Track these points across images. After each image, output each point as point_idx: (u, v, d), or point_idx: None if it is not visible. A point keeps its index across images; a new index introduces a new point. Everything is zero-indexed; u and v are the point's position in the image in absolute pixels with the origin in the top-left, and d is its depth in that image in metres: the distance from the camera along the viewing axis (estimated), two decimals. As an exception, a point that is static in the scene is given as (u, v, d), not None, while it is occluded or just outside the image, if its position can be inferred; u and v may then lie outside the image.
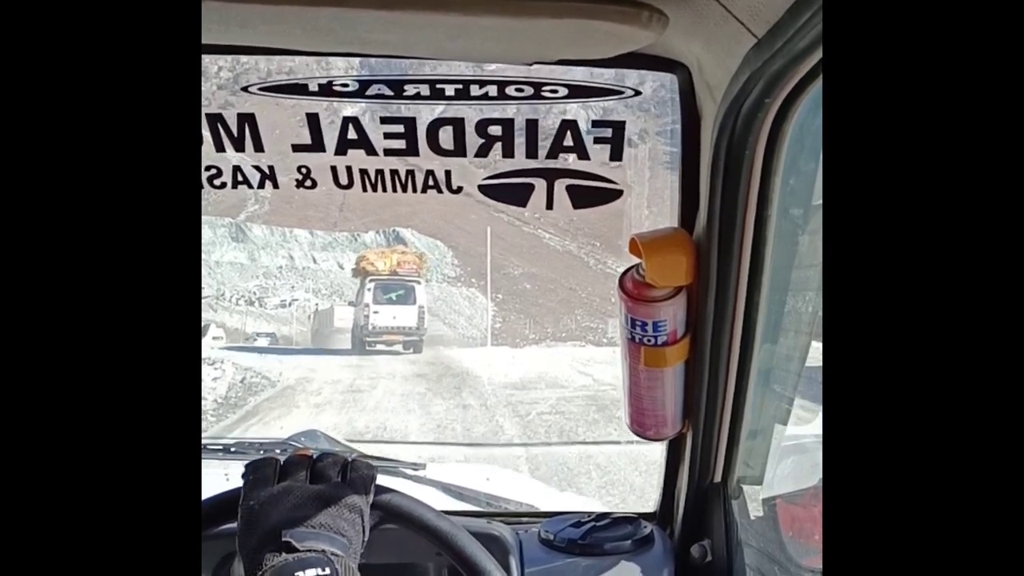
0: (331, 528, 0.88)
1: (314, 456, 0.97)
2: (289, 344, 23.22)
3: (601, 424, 9.77)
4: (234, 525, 0.91)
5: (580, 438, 9.04)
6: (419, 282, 19.81)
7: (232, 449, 1.81)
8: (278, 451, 1.78)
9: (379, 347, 18.33)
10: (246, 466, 0.95)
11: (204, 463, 1.77)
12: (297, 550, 0.84)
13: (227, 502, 0.94)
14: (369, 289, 18.99)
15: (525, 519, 1.47)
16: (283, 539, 0.85)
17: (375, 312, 18.58)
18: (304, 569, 0.82)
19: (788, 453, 1.26)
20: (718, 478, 1.26)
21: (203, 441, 1.88)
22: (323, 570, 0.83)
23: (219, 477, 1.45)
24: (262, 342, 22.85)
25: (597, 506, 1.66)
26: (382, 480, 1.00)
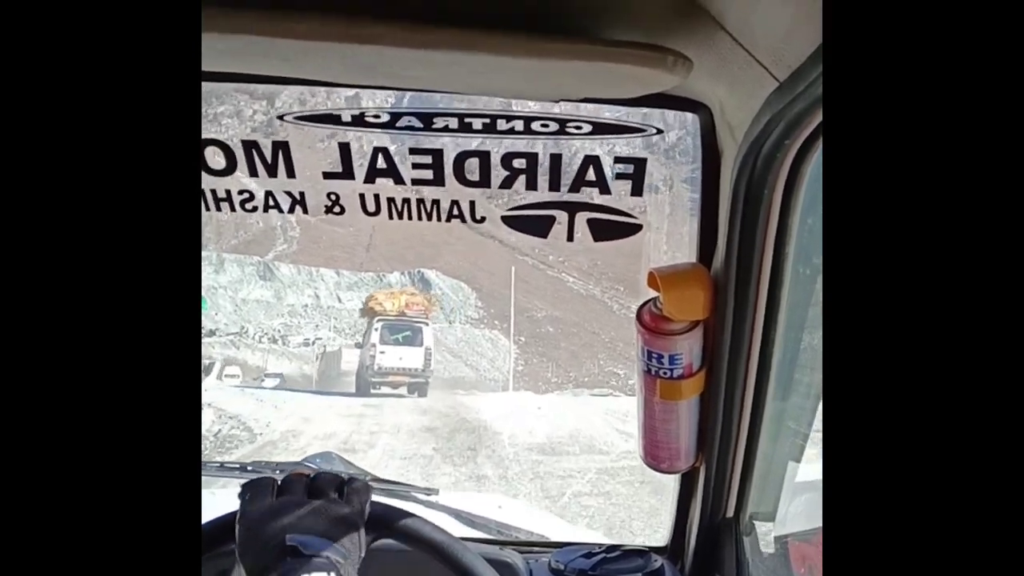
0: (332, 538, 0.90)
1: (311, 475, 0.99)
2: (309, 384, 22.71)
3: (663, 518, 5.35)
4: (231, 545, 0.92)
5: (639, 540, 5.27)
6: (427, 323, 19.42)
7: (249, 468, 1.83)
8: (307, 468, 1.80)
9: (384, 389, 17.78)
10: (243, 486, 0.96)
11: (222, 482, 1.79)
12: (302, 554, 0.86)
13: (224, 525, 0.95)
14: (376, 329, 18.61)
15: (536, 549, 1.47)
16: (288, 544, 0.87)
17: (381, 352, 18.09)
18: (310, 572, 0.84)
19: (801, 490, 1.26)
20: (730, 513, 1.26)
21: (219, 461, 1.91)
22: (328, 573, 0.84)
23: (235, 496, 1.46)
24: (269, 383, 22.02)
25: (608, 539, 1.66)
26: (398, 506, 1.02)
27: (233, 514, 0.94)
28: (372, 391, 17.52)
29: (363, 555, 0.93)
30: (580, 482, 8.42)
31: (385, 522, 0.99)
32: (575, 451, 10.37)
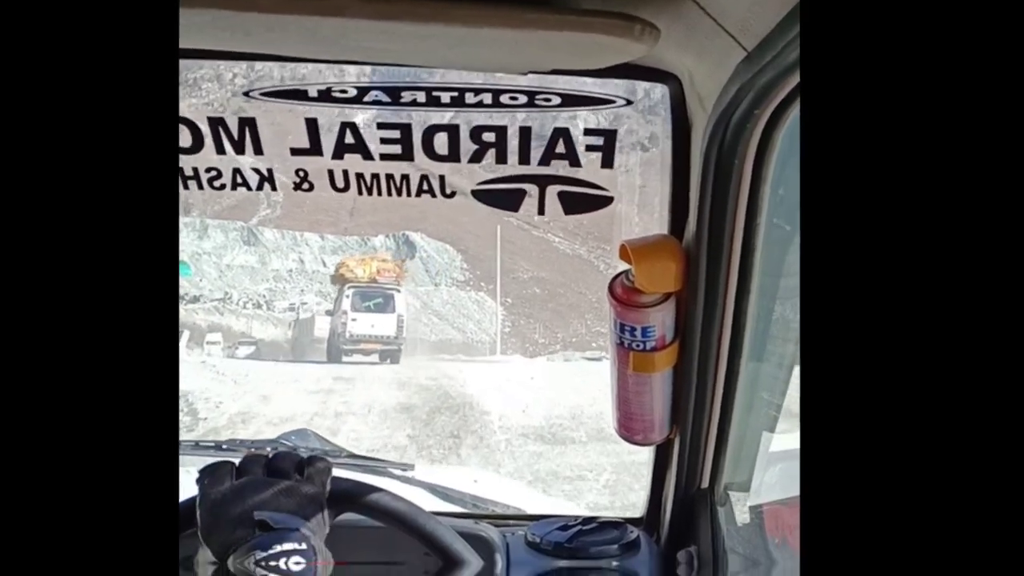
0: (297, 515, 0.90)
1: (269, 455, 0.99)
2: (288, 352, 22.35)
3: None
4: (189, 532, 0.92)
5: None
6: (398, 290, 19.16)
7: (224, 447, 1.83)
8: (268, 449, 1.80)
9: (356, 356, 17.48)
10: (200, 471, 0.96)
11: (197, 459, 1.78)
12: (272, 528, 0.86)
13: (183, 512, 0.94)
14: (347, 296, 18.39)
15: (512, 522, 1.48)
16: (256, 519, 0.87)
17: (353, 320, 17.87)
18: (282, 543, 0.84)
19: (775, 460, 1.28)
20: (705, 484, 1.27)
21: (194, 439, 1.91)
22: (300, 544, 0.85)
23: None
24: (242, 352, 21.17)
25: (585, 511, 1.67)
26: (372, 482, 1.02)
27: (191, 500, 0.94)
28: (344, 359, 17.28)
29: (327, 531, 0.94)
30: (595, 486, 6.83)
31: (347, 496, 1.00)
32: (581, 437, 8.51)
